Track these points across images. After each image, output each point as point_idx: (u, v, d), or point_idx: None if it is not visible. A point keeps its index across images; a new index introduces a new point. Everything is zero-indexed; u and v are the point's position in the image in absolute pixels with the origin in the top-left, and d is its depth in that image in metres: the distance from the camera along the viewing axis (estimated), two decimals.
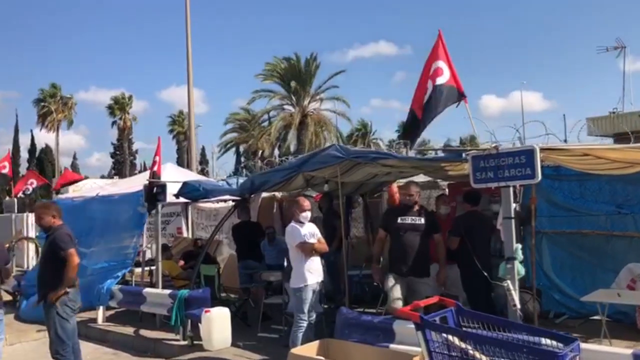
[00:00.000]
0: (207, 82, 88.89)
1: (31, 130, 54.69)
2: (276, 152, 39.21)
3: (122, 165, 52.57)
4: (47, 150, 53.08)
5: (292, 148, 38.68)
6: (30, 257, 16.17)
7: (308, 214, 6.08)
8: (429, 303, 4.50)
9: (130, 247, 8.60)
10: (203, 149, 56.68)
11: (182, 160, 45.48)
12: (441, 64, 5.75)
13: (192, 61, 18.07)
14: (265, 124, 38.55)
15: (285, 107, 36.47)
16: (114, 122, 53.89)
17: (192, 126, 17.33)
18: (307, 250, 5.89)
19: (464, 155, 5.65)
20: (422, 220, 6.00)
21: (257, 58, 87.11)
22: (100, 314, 8.67)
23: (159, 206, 8.45)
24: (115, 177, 39.27)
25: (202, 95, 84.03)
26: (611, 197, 7.12)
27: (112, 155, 56.31)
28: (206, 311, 6.85)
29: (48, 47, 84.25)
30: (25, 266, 14.79)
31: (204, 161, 54.14)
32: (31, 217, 17.24)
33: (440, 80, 5.73)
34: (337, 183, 7.29)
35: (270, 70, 35.47)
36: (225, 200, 12.19)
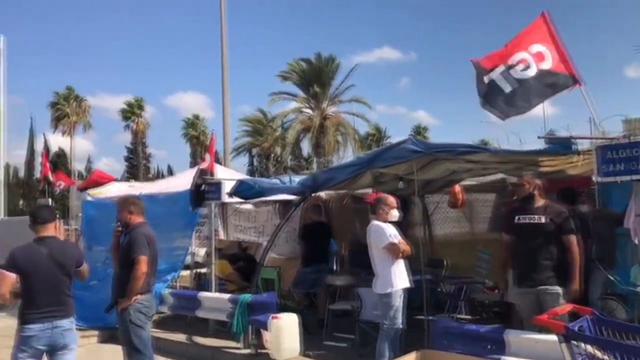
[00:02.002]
0: (211, 89, 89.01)
1: (44, 134, 54.51)
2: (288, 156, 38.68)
3: (136, 169, 52.25)
4: (61, 154, 52.85)
5: (305, 152, 38.25)
6: None
7: (397, 213, 5.55)
8: (565, 311, 3.97)
9: (181, 249, 8.11)
10: (216, 153, 56.25)
11: (196, 165, 44.98)
12: (543, 48, 5.24)
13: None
14: (280, 129, 38.13)
15: (304, 110, 36.01)
16: (127, 126, 53.67)
17: (227, 124, 16.91)
18: (397, 252, 5.35)
19: (573, 146, 5.17)
20: (544, 219, 5.05)
21: (261, 66, 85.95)
22: None
23: (213, 205, 7.98)
24: (131, 180, 38.98)
25: (208, 102, 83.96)
26: None
27: (127, 159, 56.01)
28: (274, 317, 6.33)
29: (52, 54, 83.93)
30: None
31: None
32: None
33: (544, 65, 5.22)
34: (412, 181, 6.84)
35: (290, 72, 35.03)
36: (265, 202, 11.76)
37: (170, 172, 50.82)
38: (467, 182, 8.55)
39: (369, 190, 9.15)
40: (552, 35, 5.12)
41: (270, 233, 11.29)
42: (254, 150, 49.87)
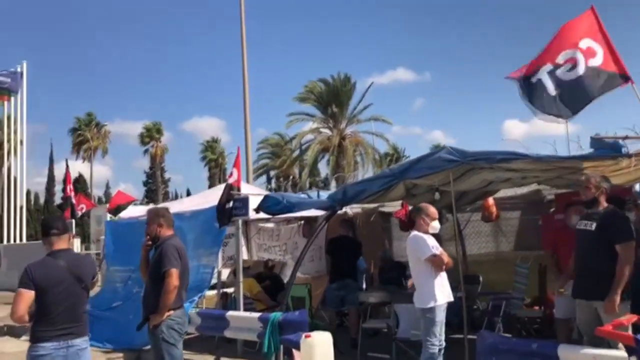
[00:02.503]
0: (226, 112, 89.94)
1: (66, 160, 55.22)
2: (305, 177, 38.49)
3: (154, 193, 52.51)
4: (81, 179, 53.37)
5: (323, 172, 38.05)
6: None
7: (438, 225, 5.30)
8: (632, 321, 3.68)
9: (208, 267, 7.90)
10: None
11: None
12: (593, 43, 5.01)
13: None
14: (297, 151, 38.04)
15: (322, 130, 35.93)
16: (146, 151, 54.18)
17: (249, 147, 16.85)
18: (439, 264, 5.10)
19: (623, 149, 4.88)
20: (593, 226, 4.60)
21: (275, 89, 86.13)
22: None
23: (239, 221, 7.80)
24: (150, 204, 39.05)
25: (223, 125, 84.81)
26: None
27: (145, 184, 56.40)
28: (306, 336, 6.05)
29: (70, 82, 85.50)
30: None
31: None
32: (77, 241, 16.89)
33: (593, 62, 4.98)
34: (444, 192, 6.59)
35: (307, 93, 35.08)
36: (288, 220, 11.54)
37: (189, 196, 51.06)
38: (496, 196, 8.31)
39: (397, 207, 8.93)
40: (602, 31, 4.90)
41: (292, 251, 11.09)
42: (272, 172, 49.97)
